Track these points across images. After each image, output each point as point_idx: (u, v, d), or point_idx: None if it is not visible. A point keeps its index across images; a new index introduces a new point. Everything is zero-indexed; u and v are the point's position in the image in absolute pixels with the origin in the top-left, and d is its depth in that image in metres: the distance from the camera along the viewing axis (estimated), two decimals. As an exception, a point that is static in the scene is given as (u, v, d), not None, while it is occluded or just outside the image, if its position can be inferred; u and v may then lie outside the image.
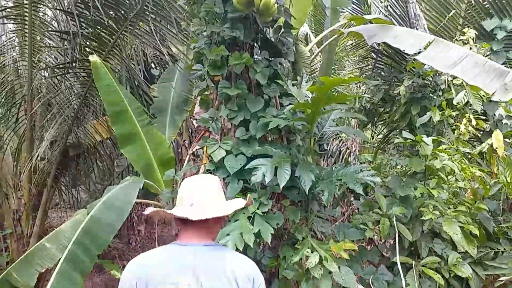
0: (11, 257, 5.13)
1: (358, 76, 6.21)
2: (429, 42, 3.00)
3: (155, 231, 9.01)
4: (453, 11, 4.91)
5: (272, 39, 3.34)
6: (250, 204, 2.00)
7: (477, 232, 3.50)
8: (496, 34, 4.84)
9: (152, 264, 1.60)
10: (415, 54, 3.01)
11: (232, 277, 1.58)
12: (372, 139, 7.31)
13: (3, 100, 5.14)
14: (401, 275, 3.21)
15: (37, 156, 4.56)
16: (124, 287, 1.57)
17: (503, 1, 4.80)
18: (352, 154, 6.25)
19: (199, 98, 3.70)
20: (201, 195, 1.70)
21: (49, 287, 2.68)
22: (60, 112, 4.85)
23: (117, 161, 7.33)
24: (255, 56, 3.44)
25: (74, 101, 5.00)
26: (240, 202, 1.80)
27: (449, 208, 3.64)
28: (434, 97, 4.10)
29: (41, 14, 4.61)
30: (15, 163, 5.17)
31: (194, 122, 4.42)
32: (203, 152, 4.02)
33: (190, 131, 5.74)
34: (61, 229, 3.43)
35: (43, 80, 5.05)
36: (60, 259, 3.12)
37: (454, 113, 3.99)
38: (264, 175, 3.01)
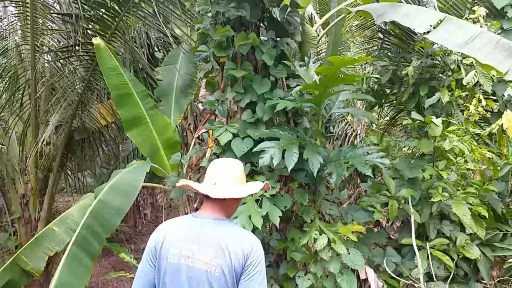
0: (19, 241, 5.18)
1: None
2: (439, 20, 2.91)
3: (162, 215, 9.08)
4: (463, -12, 4.78)
5: (279, 19, 3.26)
6: (267, 188, 2.16)
7: (485, 213, 3.48)
8: (506, 12, 4.72)
9: (169, 230, 1.85)
10: (425, 33, 2.92)
11: (226, 250, 1.72)
12: (379, 121, 7.25)
13: (6, 85, 5.09)
14: (417, 255, 3.20)
15: (43, 141, 4.54)
16: (147, 248, 1.85)
17: (514, -22, 4.67)
18: (358, 136, 6.22)
19: (204, 80, 3.64)
20: (225, 176, 1.87)
21: (59, 270, 2.69)
22: (65, 96, 4.81)
23: (122, 146, 7.34)
24: (261, 37, 3.37)
25: (78, 85, 4.95)
26: (257, 186, 1.95)
27: (457, 190, 3.61)
28: (444, 77, 4.02)
29: (42, -4, 4.52)
30: (20, 148, 5.16)
31: (200, 105, 4.38)
32: (208, 136, 3.99)
33: (195, 114, 5.69)
34: (69, 213, 3.43)
35: (46, 64, 4.99)
36: (68, 242, 3.14)
37: (463, 94, 3.93)
38: (272, 158, 2.98)
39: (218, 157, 3.60)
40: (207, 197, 1.84)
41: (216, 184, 1.85)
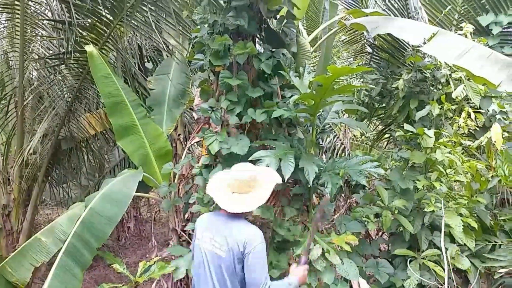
0: (0, 253, 4.99)
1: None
2: (433, 33, 2.99)
3: (145, 228, 8.90)
4: (449, 7, 4.92)
5: (275, 30, 3.30)
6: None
7: (475, 225, 3.53)
8: (491, 30, 4.88)
9: (201, 220, 2.44)
10: (420, 45, 3.00)
11: (229, 239, 2.19)
12: (366, 135, 7.34)
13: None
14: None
15: (29, 150, 4.43)
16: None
17: (499, -3, 4.85)
18: (346, 149, 6.27)
19: (199, 89, 3.63)
20: (240, 187, 2.29)
21: (49, 280, 2.59)
22: (53, 105, 4.72)
23: (108, 157, 7.21)
24: (257, 47, 3.39)
25: (67, 94, 4.87)
26: (265, 195, 2.30)
27: (447, 202, 3.66)
28: (434, 90, 4.11)
29: (32, 2, 4.46)
30: (3, 158, 5.02)
31: (194, 114, 4.35)
32: (202, 145, 3.96)
33: (185, 125, 5.66)
34: (57, 222, 3.32)
35: (34, 72, 4.90)
36: (55, 253, 3.04)
37: (452, 107, 4.01)
38: (268, 167, 2.97)
39: (210, 166, 3.58)
40: None
41: (234, 193, 2.29)
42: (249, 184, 2.29)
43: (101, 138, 5.87)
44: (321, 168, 3.29)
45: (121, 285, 2.99)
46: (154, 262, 3.38)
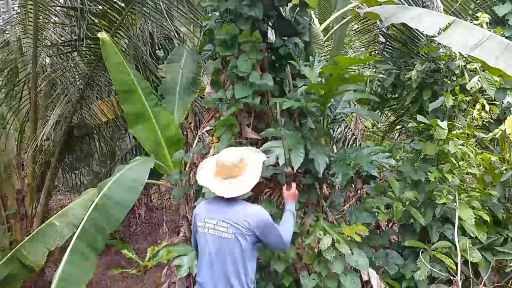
0: (14, 237, 5.10)
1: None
2: (448, 23, 2.93)
3: (156, 215, 9.00)
4: (465, -4, 4.84)
5: (288, 18, 3.26)
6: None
7: (487, 218, 3.50)
8: (508, 20, 4.78)
9: (200, 208, 2.48)
10: (434, 35, 2.95)
11: (235, 220, 2.28)
12: (378, 126, 7.29)
13: (6, 79, 5.01)
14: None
15: (42, 136, 4.48)
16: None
17: (516, -13, 4.74)
18: (357, 140, 6.23)
19: (210, 78, 3.62)
20: (231, 171, 2.36)
21: (63, 263, 2.64)
22: (65, 92, 4.76)
23: (120, 144, 7.28)
24: (269, 36, 3.36)
25: (79, 81, 4.90)
26: (256, 174, 2.39)
27: (460, 194, 3.63)
28: (448, 81, 4.05)
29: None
30: (17, 143, 5.09)
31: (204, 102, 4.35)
32: (212, 134, 3.97)
33: (195, 113, 5.67)
34: (71, 207, 3.38)
35: (47, 59, 4.93)
36: (69, 237, 3.09)
37: (467, 99, 3.96)
38: (277, 157, 2.97)
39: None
40: None
41: (226, 179, 2.36)
42: (237, 166, 2.36)
43: (112, 125, 5.92)
44: (332, 159, 3.28)
45: (130, 269, 3.04)
46: (162, 247, 3.42)
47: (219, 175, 2.39)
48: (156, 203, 9.71)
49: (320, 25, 4.85)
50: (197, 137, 4.03)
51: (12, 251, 3.18)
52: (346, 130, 6.31)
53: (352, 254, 3.13)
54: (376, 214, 3.47)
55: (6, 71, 4.99)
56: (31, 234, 3.30)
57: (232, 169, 2.35)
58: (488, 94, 3.86)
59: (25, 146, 5.01)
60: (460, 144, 3.44)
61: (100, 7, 4.31)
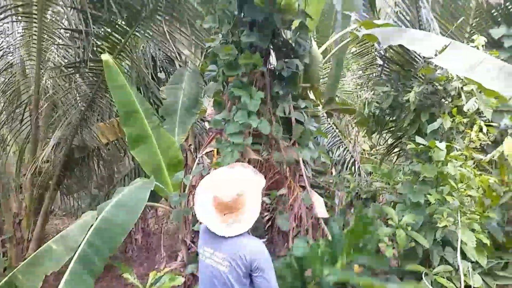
0: (8, 262, 5.01)
1: (364, 84, 6.21)
2: (445, 45, 2.99)
3: (152, 240, 8.87)
4: (461, 19, 4.93)
5: (289, 41, 3.32)
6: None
7: (487, 241, 3.46)
8: (503, 43, 4.85)
9: (202, 232, 2.41)
10: (431, 57, 2.99)
11: (231, 254, 2.19)
12: (376, 148, 7.31)
13: (8, 101, 5.04)
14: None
15: (42, 158, 4.48)
16: None
17: (511, 10, 4.84)
18: (356, 163, 6.24)
19: (212, 99, 3.66)
20: (230, 208, 2.24)
21: (61, 287, 2.59)
22: (67, 113, 4.78)
23: (118, 167, 7.25)
24: (271, 58, 3.42)
25: (81, 102, 4.93)
26: (257, 205, 2.29)
27: (461, 216, 3.60)
28: (446, 103, 4.09)
29: (50, 12, 4.55)
30: (17, 165, 5.07)
31: (206, 124, 4.38)
32: (213, 155, 3.97)
33: (195, 135, 5.68)
34: (68, 231, 3.33)
35: (49, 81, 4.98)
36: (67, 261, 3.04)
37: (464, 120, 3.99)
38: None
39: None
40: None
41: (225, 217, 2.25)
42: (237, 201, 2.24)
43: (112, 147, 5.92)
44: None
45: (132, 295, 2.98)
46: (164, 274, 3.37)
47: (218, 210, 2.27)
48: (153, 228, 9.60)
49: (319, 48, 4.92)
50: (197, 159, 4.02)
51: (7, 276, 3.11)
52: (345, 153, 6.33)
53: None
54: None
55: (8, 92, 5.03)
56: (27, 258, 3.23)
57: (231, 205, 2.24)
58: (485, 116, 3.89)
59: (24, 169, 5.00)
60: (459, 166, 3.44)
61: (105, 29, 4.37)
